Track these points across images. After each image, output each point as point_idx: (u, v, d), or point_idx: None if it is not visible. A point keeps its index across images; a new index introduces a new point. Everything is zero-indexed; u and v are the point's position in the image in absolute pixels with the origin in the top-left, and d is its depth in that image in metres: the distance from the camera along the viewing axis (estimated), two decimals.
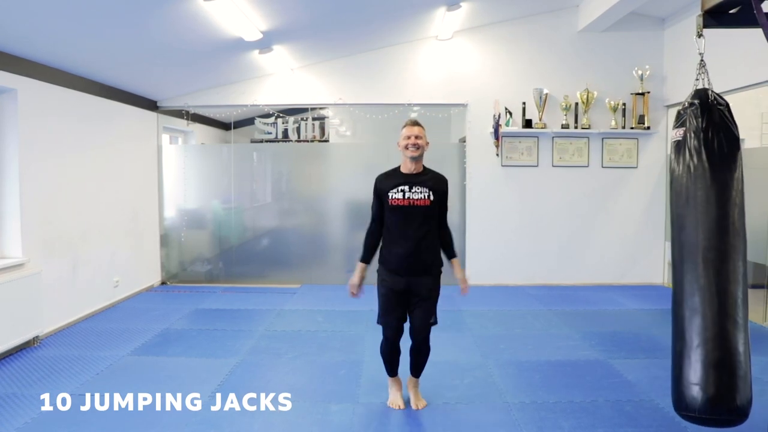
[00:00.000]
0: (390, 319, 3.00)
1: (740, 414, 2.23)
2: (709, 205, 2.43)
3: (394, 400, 3.16)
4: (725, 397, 2.22)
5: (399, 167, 3.02)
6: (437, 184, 2.99)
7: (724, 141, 2.42)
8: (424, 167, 3.01)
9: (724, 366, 2.24)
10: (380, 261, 3.05)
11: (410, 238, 2.92)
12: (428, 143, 3.01)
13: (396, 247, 2.95)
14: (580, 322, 4.89)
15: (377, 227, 3.06)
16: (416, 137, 2.93)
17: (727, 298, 2.37)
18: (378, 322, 3.06)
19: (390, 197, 2.93)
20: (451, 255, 3.09)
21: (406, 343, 3.07)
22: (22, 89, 4.19)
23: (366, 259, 3.08)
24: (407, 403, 3.13)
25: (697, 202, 2.45)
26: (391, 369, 3.16)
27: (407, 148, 2.94)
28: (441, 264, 3.04)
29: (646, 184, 6.39)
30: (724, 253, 2.42)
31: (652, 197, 6.43)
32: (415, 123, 2.99)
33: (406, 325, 3.04)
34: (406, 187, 2.92)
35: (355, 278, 3.07)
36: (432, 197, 2.93)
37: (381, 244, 3.06)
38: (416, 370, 3.14)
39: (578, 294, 5.99)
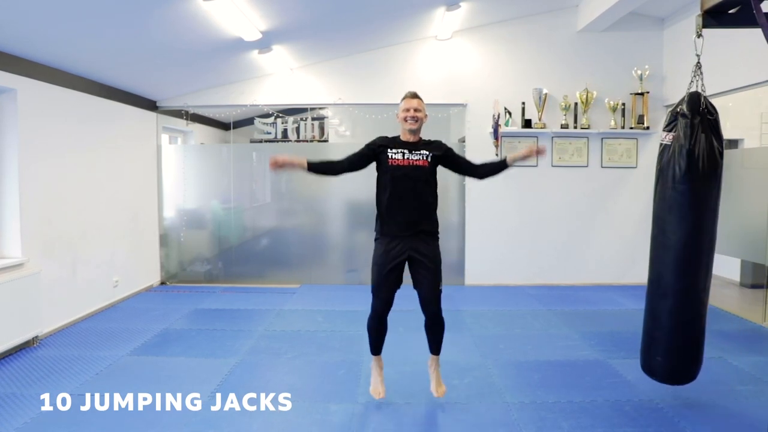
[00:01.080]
0: (383, 290, 3.00)
1: (690, 378, 2.90)
2: (688, 213, 2.70)
3: (376, 387, 3.16)
4: (682, 369, 2.88)
5: (398, 135, 3.09)
6: (435, 148, 3.06)
7: (708, 153, 2.62)
8: (421, 138, 3.08)
9: (686, 348, 2.83)
10: (379, 231, 3.05)
11: (411, 198, 2.97)
12: (427, 115, 3.08)
13: (397, 211, 2.97)
14: (580, 322, 4.89)
15: (342, 163, 3.05)
16: (415, 110, 3.00)
17: (696, 293, 2.78)
18: (372, 291, 3.06)
19: (390, 156, 2.98)
20: (503, 161, 3.10)
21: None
22: (22, 89, 4.19)
23: (311, 162, 2.98)
24: (425, 390, 3.12)
25: (676, 208, 2.74)
26: (376, 346, 3.18)
27: (406, 120, 3.01)
28: (438, 230, 3.08)
29: (645, 184, 6.39)
30: (696, 256, 2.74)
31: (651, 197, 6.38)
32: (414, 95, 3.06)
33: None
34: (407, 150, 3.00)
35: (289, 157, 2.93)
36: (430, 159, 3.00)
37: (379, 212, 3.05)
38: (435, 346, 3.13)
39: (578, 294, 6.00)
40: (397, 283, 3.02)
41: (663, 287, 2.80)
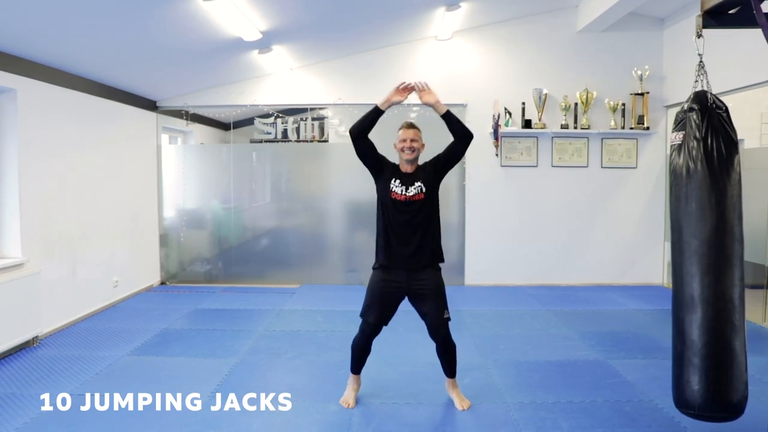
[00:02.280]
0: (372, 315, 3.00)
1: (736, 411, 2.42)
2: (708, 211, 2.48)
3: (347, 397, 3.15)
4: (722, 396, 2.39)
5: (399, 165, 3.08)
6: (425, 173, 3.03)
7: (722, 146, 2.45)
8: (418, 165, 3.07)
9: (722, 367, 2.40)
10: (377, 261, 3.04)
11: (410, 234, 2.96)
12: (423, 145, 3.07)
13: (395, 246, 2.97)
14: (580, 322, 4.89)
15: (368, 136, 3.00)
16: (412, 140, 3.00)
17: (725, 302, 2.46)
18: (360, 315, 3.06)
19: (392, 189, 2.98)
20: (445, 115, 3.07)
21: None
22: (22, 89, 4.19)
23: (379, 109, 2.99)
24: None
25: (696, 207, 2.51)
26: (357, 365, 3.17)
27: (403, 151, 3.01)
28: (442, 259, 3.05)
29: (645, 184, 6.40)
30: (723, 258, 2.47)
31: (651, 197, 6.44)
32: (411, 126, 3.06)
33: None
34: (404, 185, 2.98)
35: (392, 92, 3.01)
36: (425, 189, 2.98)
37: (378, 241, 3.04)
38: (449, 369, 3.12)
39: (578, 294, 5.99)
40: (389, 314, 3.03)
41: (688, 296, 2.48)
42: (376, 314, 3.01)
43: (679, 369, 2.47)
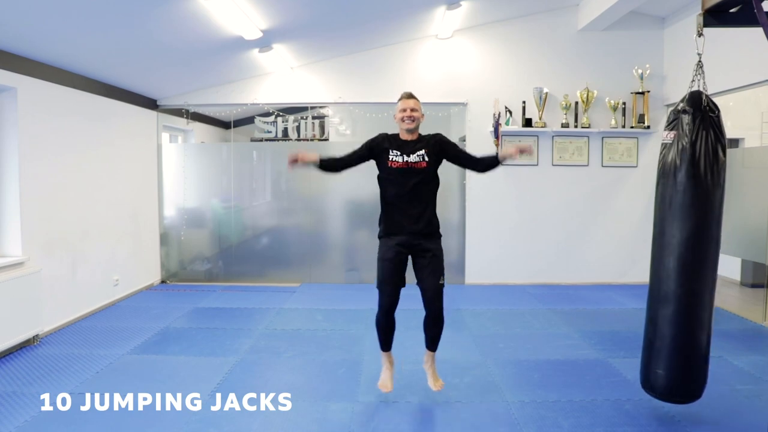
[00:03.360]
0: (388, 285, 3.03)
1: (694, 396, 2.73)
2: (690, 212, 2.59)
3: (384, 381, 3.18)
4: (683, 383, 2.70)
5: (397, 134, 3.13)
6: (433, 144, 3.08)
7: (710, 150, 2.53)
8: (420, 135, 3.12)
9: (686, 358, 2.66)
10: (381, 230, 3.12)
11: (411, 200, 3.02)
12: (423, 115, 3.13)
13: (397, 213, 3.05)
14: (580, 321, 4.90)
15: (343, 160, 3.15)
16: (411, 110, 3.05)
17: (696, 300, 2.64)
18: (377, 287, 3.08)
19: (390, 159, 3.03)
20: (494, 160, 3.10)
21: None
22: (22, 88, 4.18)
23: (323, 159, 3.12)
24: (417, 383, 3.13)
25: (678, 206, 2.62)
26: (385, 342, 3.18)
27: (403, 121, 3.06)
28: (440, 233, 3.12)
29: (645, 183, 6.39)
30: (698, 259, 2.62)
31: (651, 196, 6.35)
32: (410, 96, 3.10)
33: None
34: (405, 151, 3.04)
35: (305, 155, 3.04)
36: (427, 158, 3.03)
37: (382, 212, 3.12)
38: (432, 342, 3.15)
39: (578, 293, 5.99)
40: (401, 277, 3.05)
41: (663, 292, 2.67)
42: (392, 282, 3.03)
43: (648, 355, 2.75)
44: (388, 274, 3.03)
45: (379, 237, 3.14)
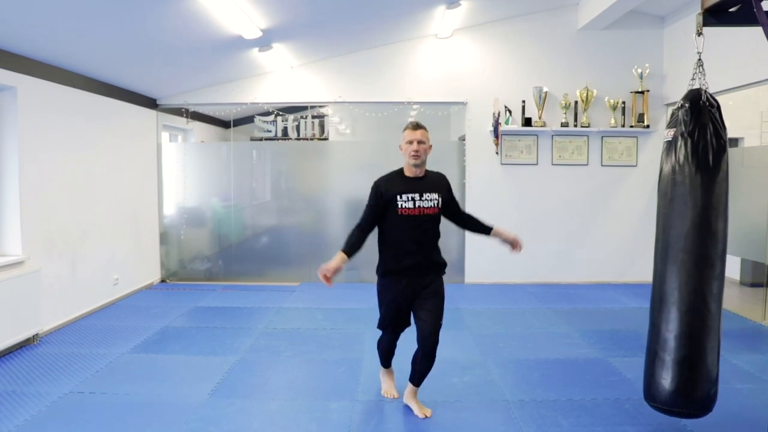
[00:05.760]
0: (390, 329, 3.03)
1: (702, 408, 2.42)
2: (691, 209, 2.48)
3: (388, 389, 3.21)
4: (688, 393, 2.40)
5: (401, 170, 2.94)
6: (442, 187, 2.95)
7: (710, 146, 2.47)
8: (427, 171, 2.95)
9: (691, 366, 2.40)
10: (384, 271, 2.95)
11: (421, 245, 2.88)
12: (431, 146, 2.92)
13: (404, 256, 2.87)
14: (580, 320, 4.90)
15: (366, 229, 2.90)
16: (419, 142, 2.82)
17: (700, 302, 2.45)
18: (378, 327, 3.06)
19: (399, 205, 2.83)
20: (488, 228, 3.09)
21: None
22: (22, 87, 4.19)
23: (348, 251, 2.80)
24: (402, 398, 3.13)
25: (679, 204, 2.52)
26: (385, 361, 3.21)
27: (410, 155, 2.85)
28: (445, 265, 3.01)
29: (645, 182, 6.39)
30: (701, 258, 2.46)
31: (651, 195, 6.43)
32: (417, 126, 2.87)
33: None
34: (417, 195, 2.84)
35: (332, 264, 2.71)
36: (440, 206, 2.91)
37: (383, 252, 2.95)
38: (420, 377, 3.00)
39: (577, 292, 6.00)
40: (405, 318, 2.99)
41: (666, 294, 2.50)
42: (393, 325, 3.01)
43: (651, 364, 2.51)
44: (395, 319, 2.98)
45: (380, 275, 2.97)
